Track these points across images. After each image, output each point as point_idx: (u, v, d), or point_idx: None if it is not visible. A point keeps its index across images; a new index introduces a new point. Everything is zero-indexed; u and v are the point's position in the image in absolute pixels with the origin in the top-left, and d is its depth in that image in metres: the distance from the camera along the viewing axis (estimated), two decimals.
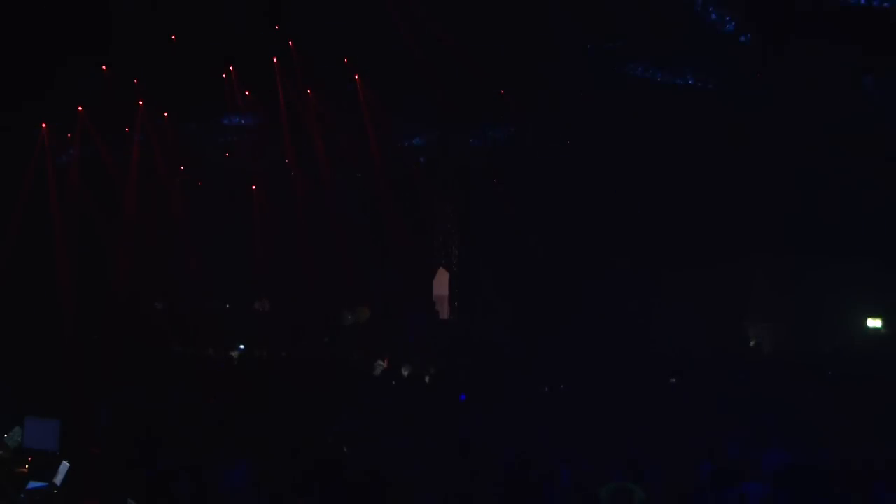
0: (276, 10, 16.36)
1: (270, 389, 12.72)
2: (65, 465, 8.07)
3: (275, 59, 17.64)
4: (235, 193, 21.41)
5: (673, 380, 13.64)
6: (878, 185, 15.63)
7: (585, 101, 17.61)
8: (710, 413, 10.56)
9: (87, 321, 17.37)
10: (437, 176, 21.84)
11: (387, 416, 10.75)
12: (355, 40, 16.74)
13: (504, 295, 20.18)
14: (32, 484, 8.04)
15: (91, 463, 8.51)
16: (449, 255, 22.51)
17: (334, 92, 18.53)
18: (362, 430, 10.04)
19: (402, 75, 17.57)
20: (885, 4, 13.23)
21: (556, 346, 16.22)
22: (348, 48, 17.12)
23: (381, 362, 15.05)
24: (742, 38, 15.14)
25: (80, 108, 17.80)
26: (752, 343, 17.97)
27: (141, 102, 18.33)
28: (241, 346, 18.05)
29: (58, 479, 8.01)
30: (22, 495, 7.90)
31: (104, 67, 16.46)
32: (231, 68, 17.91)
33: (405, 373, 14.82)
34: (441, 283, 22.11)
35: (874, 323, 17.31)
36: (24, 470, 8.62)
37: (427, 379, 14.59)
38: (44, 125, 17.85)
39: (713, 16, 14.84)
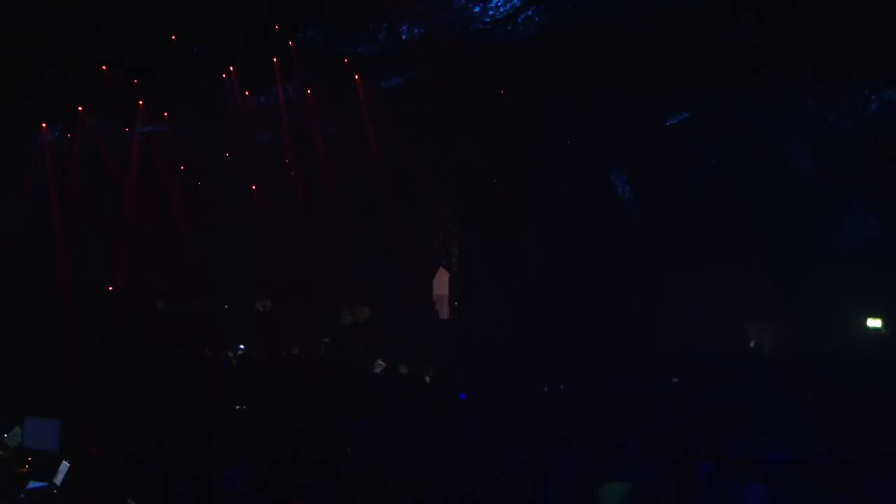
0: (276, 10, 16.34)
1: (270, 389, 12.72)
2: (65, 465, 8.07)
3: (275, 60, 17.62)
4: (235, 193, 21.42)
5: (675, 379, 13.66)
6: (878, 184, 15.66)
7: (585, 101, 17.61)
8: (711, 413, 10.56)
9: (87, 321, 17.36)
10: (437, 176, 21.85)
11: (386, 416, 10.75)
12: (355, 40, 16.73)
13: (504, 295, 20.19)
14: (32, 484, 8.04)
15: (91, 463, 8.51)
16: (449, 255, 22.52)
17: (334, 92, 18.51)
18: (362, 429, 10.05)
19: (402, 75, 17.60)
20: None
21: (556, 345, 16.23)
22: (348, 48, 17.11)
23: (381, 362, 15.06)
24: (742, 38, 15.13)
25: (80, 108, 17.78)
26: (752, 343, 17.98)
27: (141, 102, 18.31)
28: (241, 347, 18.05)
29: (58, 479, 8.01)
30: (22, 495, 7.90)
31: (104, 67, 16.43)
32: (231, 68, 17.89)
33: (403, 372, 14.83)
34: (441, 283, 22.13)
35: (874, 323, 17.31)
36: (24, 470, 8.62)
37: (427, 379, 14.59)
38: (44, 125, 17.84)
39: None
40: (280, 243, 20.94)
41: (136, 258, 19.98)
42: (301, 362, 16.66)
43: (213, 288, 20.68)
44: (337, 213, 20.35)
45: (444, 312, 21.92)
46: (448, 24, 15.69)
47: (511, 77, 17.09)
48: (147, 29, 15.00)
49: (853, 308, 17.16)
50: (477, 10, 15.33)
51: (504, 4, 15.08)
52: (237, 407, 11.87)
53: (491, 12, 15.37)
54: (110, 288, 20.14)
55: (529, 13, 15.23)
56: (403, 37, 16.20)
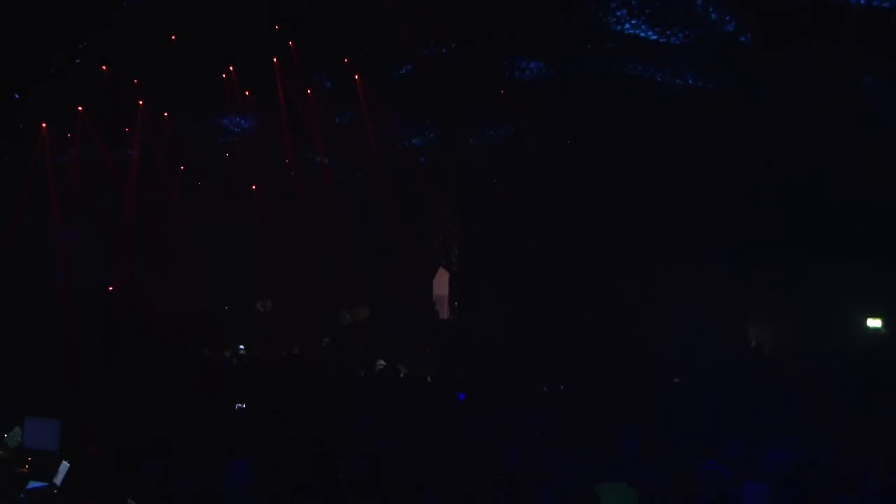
0: (276, 10, 16.37)
1: (270, 389, 12.71)
2: (65, 465, 8.06)
3: (275, 59, 17.64)
4: (235, 193, 21.41)
5: (676, 379, 13.66)
6: (878, 185, 15.64)
7: (585, 101, 17.61)
8: (711, 412, 10.55)
9: (87, 321, 17.36)
10: (437, 176, 21.85)
11: (386, 417, 10.75)
12: (355, 40, 16.75)
13: (504, 295, 20.18)
14: (32, 484, 8.03)
15: (91, 463, 8.51)
16: (449, 255, 22.51)
17: (334, 92, 18.53)
18: (361, 430, 10.04)
19: (402, 75, 17.61)
20: (885, 5, 13.23)
21: (556, 345, 16.22)
22: (348, 48, 17.13)
23: (381, 362, 15.06)
24: (742, 38, 15.13)
25: (80, 108, 17.79)
26: (752, 343, 17.98)
27: (141, 102, 18.32)
28: (241, 347, 18.05)
29: (58, 479, 8.00)
30: (22, 495, 7.89)
31: (104, 67, 16.45)
32: (231, 68, 17.90)
33: (403, 372, 14.83)
34: (441, 283, 22.12)
35: (874, 323, 17.31)
36: (24, 470, 8.61)
37: (427, 379, 14.59)
38: (44, 125, 17.85)
39: (713, 16, 14.84)
40: (280, 243, 20.93)
41: (136, 258, 19.97)
42: (301, 362, 16.66)
43: (213, 288, 20.67)
44: (337, 212, 20.34)
45: (444, 312, 21.90)
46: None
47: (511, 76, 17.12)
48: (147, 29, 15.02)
49: (853, 308, 17.16)
50: None
51: None
52: (237, 406, 11.86)
53: None
54: (110, 288, 20.13)
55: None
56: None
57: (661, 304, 17.79)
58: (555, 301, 18.87)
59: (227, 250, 20.61)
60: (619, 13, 14.98)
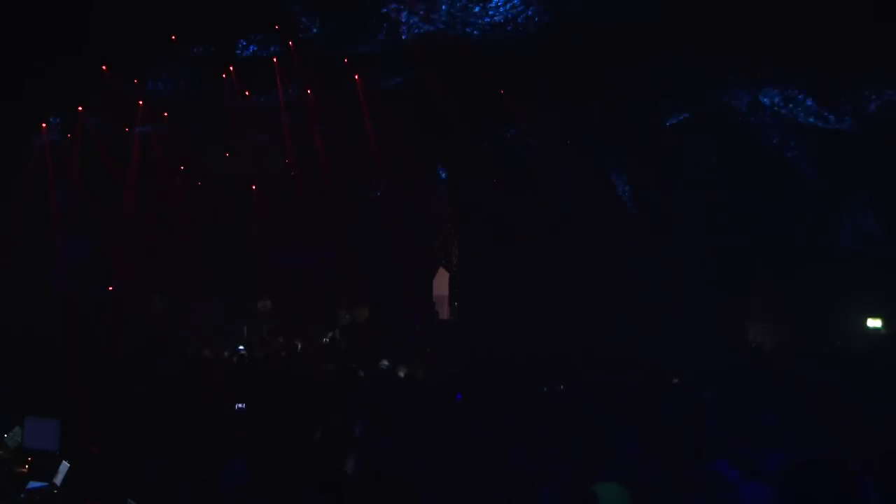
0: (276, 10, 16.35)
1: (270, 389, 12.71)
2: (65, 465, 8.06)
3: (275, 60, 17.63)
4: (235, 193, 21.41)
5: (675, 380, 13.66)
6: (878, 184, 15.66)
7: (585, 101, 17.62)
8: (711, 413, 10.55)
9: (87, 321, 17.35)
10: (438, 176, 21.86)
11: (385, 417, 10.74)
12: (355, 40, 16.74)
13: (504, 295, 20.18)
14: (32, 484, 8.03)
15: (91, 463, 8.51)
16: (449, 255, 22.51)
17: (334, 92, 18.53)
18: (361, 430, 10.04)
19: (402, 75, 17.60)
20: None
21: (556, 345, 16.22)
22: (348, 48, 17.13)
23: (385, 362, 15.07)
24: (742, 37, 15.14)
25: (80, 108, 17.78)
26: (752, 343, 17.99)
27: (141, 102, 18.32)
28: (241, 348, 18.05)
29: (58, 479, 8.00)
30: (22, 495, 7.89)
31: (104, 67, 16.45)
32: (231, 68, 17.90)
33: (403, 372, 14.83)
34: (441, 283, 22.12)
35: (874, 323, 17.32)
36: (24, 470, 8.61)
37: (427, 379, 14.59)
38: (44, 125, 17.84)
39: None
40: (280, 243, 20.93)
41: (136, 258, 19.96)
42: (300, 362, 16.67)
43: (213, 288, 20.67)
44: (337, 212, 20.34)
45: (444, 312, 21.91)
46: (447, 24, 15.70)
47: (510, 76, 17.10)
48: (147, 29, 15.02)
49: (853, 308, 17.17)
50: (476, 9, 15.33)
51: (504, 4, 15.09)
52: (237, 406, 11.86)
53: (491, 13, 15.37)
54: (110, 288, 20.13)
55: (529, 13, 15.24)
56: (403, 37, 16.21)
57: (662, 304, 17.81)
58: (555, 301, 18.88)
59: (226, 250, 20.62)
60: None
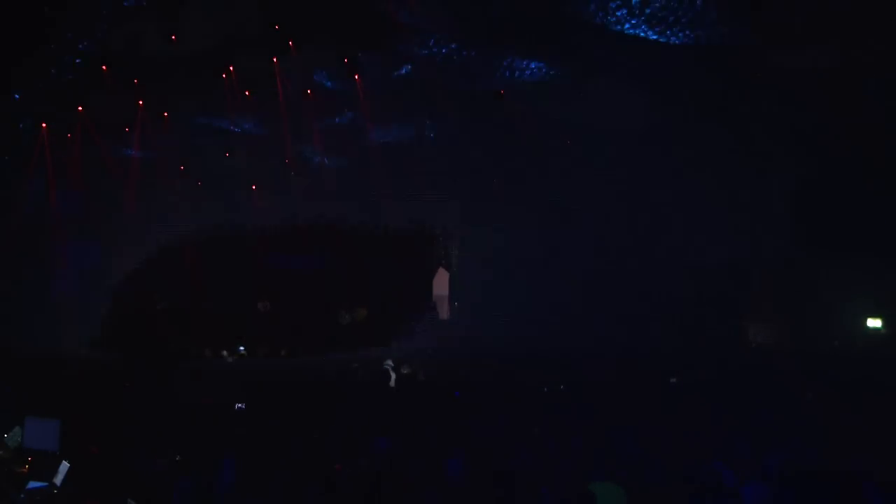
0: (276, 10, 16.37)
1: (270, 390, 12.72)
2: (65, 465, 8.06)
3: (275, 60, 17.65)
4: (235, 193, 21.42)
5: (673, 380, 13.65)
6: (878, 184, 15.66)
7: (585, 100, 17.61)
8: (711, 413, 10.55)
9: (87, 321, 17.37)
10: (437, 175, 21.84)
11: (385, 416, 10.75)
12: (356, 39, 16.75)
13: (504, 295, 20.19)
14: (32, 484, 8.03)
15: (91, 463, 8.51)
16: (449, 255, 22.51)
17: (335, 91, 18.54)
18: (361, 430, 10.04)
19: (401, 75, 17.61)
20: None
21: (556, 345, 16.23)
22: (348, 48, 17.14)
23: (389, 362, 15.08)
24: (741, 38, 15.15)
25: (80, 108, 17.78)
26: (753, 343, 18.00)
27: (141, 102, 18.33)
28: (241, 348, 18.06)
29: (58, 479, 8.00)
30: (22, 495, 7.89)
31: (104, 67, 16.45)
32: (231, 68, 17.91)
33: (404, 372, 14.84)
34: (441, 283, 22.13)
35: (874, 323, 17.32)
36: (24, 470, 8.61)
37: (427, 379, 14.60)
38: (44, 125, 17.84)
39: (713, 14, 14.84)
40: (280, 243, 20.94)
41: (136, 258, 19.97)
42: (300, 362, 16.67)
43: (212, 288, 20.68)
44: (337, 213, 20.35)
45: (444, 312, 21.91)
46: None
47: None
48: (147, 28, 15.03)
49: (853, 308, 17.17)
50: None
51: None
52: (237, 406, 11.87)
53: None
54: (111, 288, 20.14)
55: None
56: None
57: (662, 303, 17.81)
58: (554, 301, 18.88)
59: (227, 250, 20.63)
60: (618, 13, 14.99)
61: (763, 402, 11.14)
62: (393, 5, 15.63)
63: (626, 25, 14.85)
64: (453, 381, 14.02)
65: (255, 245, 21.09)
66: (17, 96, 15.47)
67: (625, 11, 14.53)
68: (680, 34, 14.71)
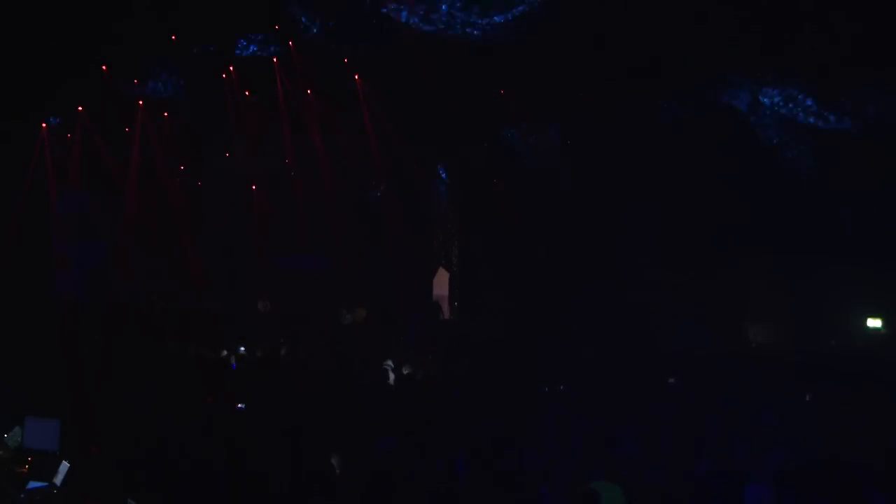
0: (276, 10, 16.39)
1: (270, 389, 12.71)
2: (65, 465, 8.06)
3: (275, 60, 17.66)
4: (235, 193, 21.41)
5: (672, 380, 13.65)
6: (878, 185, 15.65)
7: (586, 101, 17.61)
8: (711, 413, 10.55)
9: (87, 321, 17.35)
10: (438, 176, 21.85)
11: (386, 417, 10.74)
12: (356, 39, 16.76)
13: (504, 295, 20.18)
14: (32, 484, 8.03)
15: (91, 463, 8.51)
16: (449, 255, 22.50)
17: (334, 92, 18.54)
18: (361, 430, 10.04)
19: (402, 75, 17.60)
20: None
21: (556, 345, 16.22)
22: (348, 48, 17.15)
23: (389, 362, 15.08)
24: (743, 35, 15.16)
25: (80, 108, 17.80)
26: (752, 343, 17.99)
27: (141, 102, 18.34)
28: (242, 349, 18.03)
29: (58, 479, 8.00)
30: (22, 495, 7.89)
31: (104, 67, 16.47)
32: (231, 68, 17.92)
33: (404, 372, 14.83)
34: (441, 283, 22.12)
35: (874, 323, 17.32)
36: (24, 470, 8.61)
37: (427, 379, 14.58)
38: (44, 125, 17.84)
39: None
40: (280, 243, 20.93)
41: (136, 258, 19.96)
42: (300, 362, 16.66)
43: (213, 288, 20.67)
44: (337, 212, 20.34)
45: (444, 312, 21.89)
46: (447, 24, 15.74)
47: (510, 76, 17.12)
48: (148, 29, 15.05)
49: (853, 308, 17.17)
50: (476, 9, 15.35)
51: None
52: (237, 407, 11.86)
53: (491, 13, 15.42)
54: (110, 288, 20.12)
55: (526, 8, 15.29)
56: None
57: (662, 303, 17.81)
58: (555, 301, 18.88)
59: (227, 250, 20.62)
60: None
61: (763, 402, 11.14)
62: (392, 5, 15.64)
63: None
64: (453, 381, 14.02)
65: (255, 245, 21.08)
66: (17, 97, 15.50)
67: None
68: None
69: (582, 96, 17.55)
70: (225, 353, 17.07)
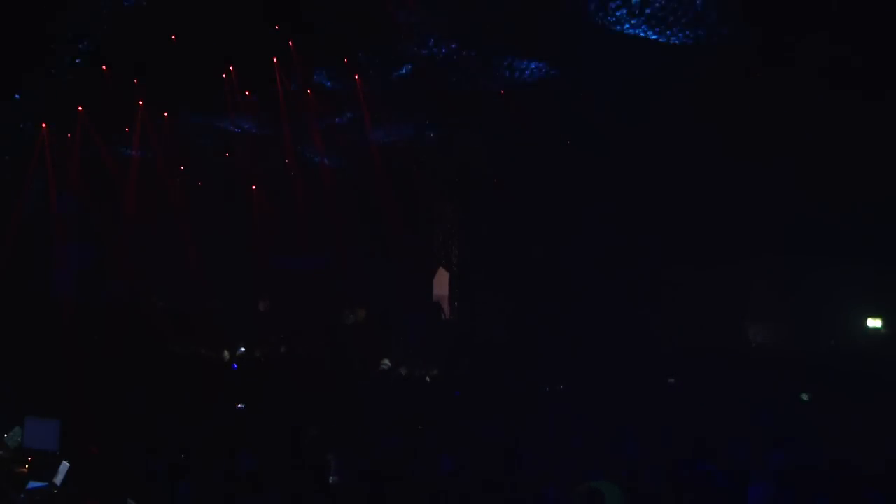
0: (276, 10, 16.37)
1: (270, 389, 12.72)
2: (65, 465, 8.07)
3: (275, 59, 17.65)
4: (235, 193, 21.41)
5: (672, 380, 13.66)
6: (878, 184, 15.64)
7: (586, 101, 17.60)
8: (712, 413, 10.55)
9: (87, 321, 17.35)
10: (438, 176, 21.83)
11: (386, 416, 10.75)
12: (356, 39, 16.76)
13: (504, 295, 20.18)
14: (32, 484, 8.03)
15: (91, 463, 8.51)
16: (449, 255, 22.50)
17: (335, 92, 18.55)
18: (363, 430, 10.04)
19: (402, 75, 17.61)
20: None
21: (556, 345, 16.23)
22: (348, 48, 17.15)
23: (386, 362, 15.10)
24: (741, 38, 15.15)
25: (80, 108, 17.78)
26: (752, 343, 17.99)
27: (141, 102, 18.33)
28: (242, 349, 18.04)
29: (58, 479, 8.01)
30: (22, 495, 7.89)
31: (104, 67, 16.45)
32: (231, 68, 17.91)
33: (403, 372, 14.86)
34: (441, 283, 22.12)
35: (874, 323, 17.32)
36: (24, 470, 8.62)
37: (427, 379, 14.60)
38: (44, 125, 17.83)
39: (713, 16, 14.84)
40: (280, 243, 20.93)
41: (136, 258, 19.96)
42: (301, 362, 16.67)
43: (213, 288, 20.67)
44: (337, 213, 20.34)
45: (444, 312, 21.90)
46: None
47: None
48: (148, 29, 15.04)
49: (853, 308, 17.17)
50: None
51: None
52: (238, 406, 11.87)
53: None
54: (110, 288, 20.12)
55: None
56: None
57: (662, 303, 17.81)
58: (555, 301, 18.88)
59: (227, 250, 20.62)
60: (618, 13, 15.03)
61: (763, 402, 11.15)
62: (392, 5, 15.64)
63: (626, 26, 14.91)
64: (453, 381, 14.03)
65: (256, 245, 21.09)
66: (17, 97, 15.48)
67: (625, 11, 14.58)
68: (680, 34, 14.80)
69: (581, 96, 17.54)
70: (226, 354, 17.10)
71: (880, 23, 12.97)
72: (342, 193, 20.47)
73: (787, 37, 14.15)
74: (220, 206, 21.06)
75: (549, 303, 18.93)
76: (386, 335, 18.48)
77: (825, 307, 16.97)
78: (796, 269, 17.20)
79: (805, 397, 12.34)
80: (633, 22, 14.78)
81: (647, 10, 14.48)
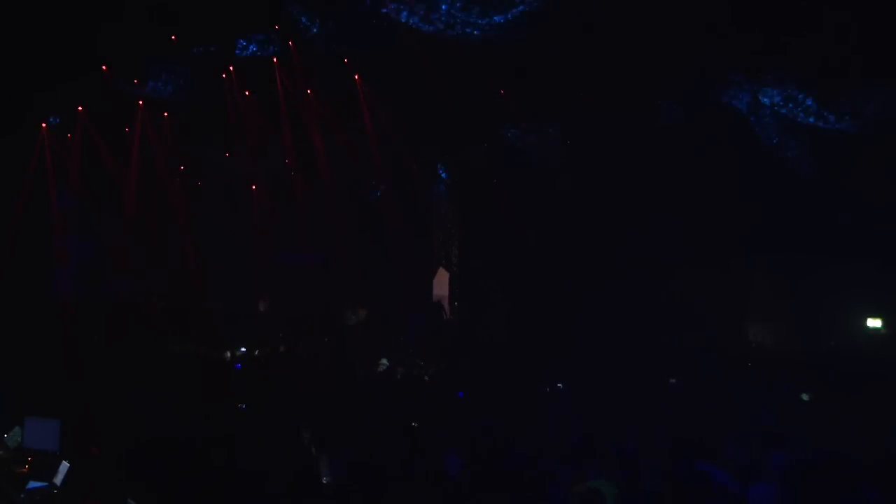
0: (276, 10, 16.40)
1: (271, 389, 12.73)
2: (65, 465, 8.07)
3: (275, 60, 17.66)
4: (235, 193, 21.40)
5: (672, 380, 13.67)
6: (877, 185, 15.65)
7: (586, 101, 17.61)
8: (712, 413, 10.55)
9: (87, 321, 17.35)
10: (437, 176, 21.84)
11: (386, 416, 10.75)
12: (356, 39, 16.76)
13: (504, 295, 20.18)
14: (32, 484, 8.03)
15: (91, 463, 8.51)
16: (449, 255, 22.50)
17: (334, 92, 18.55)
18: (362, 430, 10.04)
19: (402, 75, 17.60)
20: None
21: (557, 345, 16.23)
22: (348, 48, 17.15)
23: (385, 361, 15.11)
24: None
25: (80, 108, 17.79)
26: (752, 343, 17.99)
27: (141, 102, 18.33)
28: (243, 349, 18.05)
29: (58, 479, 8.00)
30: (22, 495, 7.89)
31: (104, 67, 16.47)
32: (231, 68, 17.92)
33: (401, 372, 14.87)
34: (441, 283, 22.12)
35: (874, 323, 17.32)
36: (24, 470, 8.62)
37: (427, 379, 14.60)
38: (44, 125, 17.84)
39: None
40: (280, 243, 20.92)
41: (136, 258, 19.96)
42: (301, 362, 16.67)
43: (213, 288, 20.67)
44: (337, 212, 20.33)
45: (444, 312, 21.90)
46: (447, 25, 15.76)
47: (511, 76, 17.13)
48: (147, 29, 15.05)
49: (853, 308, 17.17)
50: (477, 9, 15.39)
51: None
52: (238, 406, 11.87)
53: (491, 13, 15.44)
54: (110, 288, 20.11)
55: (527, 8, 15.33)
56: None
57: (662, 303, 17.81)
58: (555, 300, 18.89)
59: (227, 250, 20.61)
60: None
61: (763, 402, 11.15)
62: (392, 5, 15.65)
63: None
64: (453, 381, 14.03)
65: (256, 245, 21.08)
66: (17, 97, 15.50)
67: None
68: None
69: (582, 96, 17.54)
70: (228, 354, 17.12)
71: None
72: (342, 193, 20.48)
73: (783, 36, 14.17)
74: (220, 205, 21.06)
75: (549, 303, 18.94)
76: (386, 335, 18.48)
77: (825, 307, 16.98)
78: (796, 269, 17.20)
79: (805, 397, 12.35)
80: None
81: None
